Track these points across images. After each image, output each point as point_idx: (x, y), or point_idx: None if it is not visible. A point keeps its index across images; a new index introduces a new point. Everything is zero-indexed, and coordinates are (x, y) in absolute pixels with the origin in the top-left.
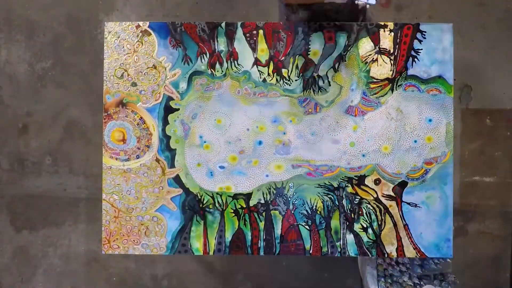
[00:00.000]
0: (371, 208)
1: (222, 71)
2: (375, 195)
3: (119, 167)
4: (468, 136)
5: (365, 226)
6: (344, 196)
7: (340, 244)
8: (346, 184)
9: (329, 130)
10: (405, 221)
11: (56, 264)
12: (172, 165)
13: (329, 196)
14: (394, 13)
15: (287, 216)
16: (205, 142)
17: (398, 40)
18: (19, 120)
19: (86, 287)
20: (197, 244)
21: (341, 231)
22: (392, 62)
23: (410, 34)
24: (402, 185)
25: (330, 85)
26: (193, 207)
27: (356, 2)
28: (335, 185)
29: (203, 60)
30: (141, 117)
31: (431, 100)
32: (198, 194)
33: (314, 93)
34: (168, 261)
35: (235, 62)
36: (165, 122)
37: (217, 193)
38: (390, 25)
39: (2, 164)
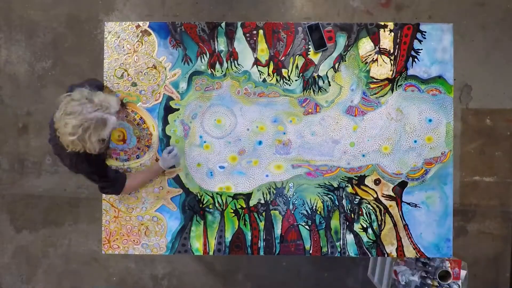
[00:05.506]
0: (371, 208)
1: (222, 71)
2: (375, 195)
3: (119, 167)
4: (468, 136)
5: (365, 226)
6: (344, 196)
7: (340, 244)
8: (346, 184)
9: (329, 130)
10: (405, 221)
11: (56, 264)
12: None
13: (329, 196)
14: (394, 13)
15: (287, 216)
16: (205, 142)
17: (398, 40)
18: (19, 120)
19: (86, 287)
20: (197, 244)
21: (341, 231)
22: (392, 62)
23: (410, 34)
24: (402, 185)
25: (330, 85)
26: (193, 207)
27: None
28: (335, 185)
29: (203, 60)
30: (141, 117)
31: (431, 100)
32: (198, 194)
33: (314, 93)
34: (168, 261)
35: (235, 62)
36: (165, 122)
37: (217, 193)
38: (390, 25)
39: (2, 164)
